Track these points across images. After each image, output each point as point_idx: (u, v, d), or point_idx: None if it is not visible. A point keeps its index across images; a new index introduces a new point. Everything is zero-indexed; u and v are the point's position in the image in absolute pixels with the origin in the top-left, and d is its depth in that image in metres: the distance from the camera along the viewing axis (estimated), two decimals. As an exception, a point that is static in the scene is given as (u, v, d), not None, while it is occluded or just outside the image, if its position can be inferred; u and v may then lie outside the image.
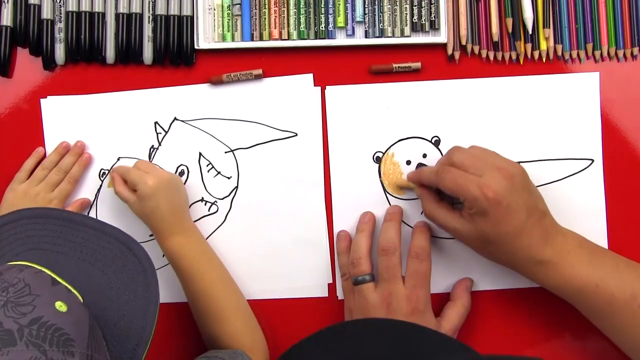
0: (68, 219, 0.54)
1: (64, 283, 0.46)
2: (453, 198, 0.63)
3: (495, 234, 0.59)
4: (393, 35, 0.70)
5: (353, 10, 0.70)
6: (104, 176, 0.73)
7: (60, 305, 0.43)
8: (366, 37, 0.70)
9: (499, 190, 0.58)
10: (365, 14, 0.70)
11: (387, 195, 0.70)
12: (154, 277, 0.52)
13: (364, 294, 0.63)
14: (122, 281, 0.51)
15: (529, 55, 0.69)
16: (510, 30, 0.69)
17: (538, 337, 0.70)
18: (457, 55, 0.70)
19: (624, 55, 0.69)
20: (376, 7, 0.70)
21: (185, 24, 0.71)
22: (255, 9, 0.70)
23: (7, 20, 0.71)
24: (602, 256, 0.61)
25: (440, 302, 0.68)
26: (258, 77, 0.71)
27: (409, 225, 0.70)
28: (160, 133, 0.72)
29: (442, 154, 0.69)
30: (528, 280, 0.68)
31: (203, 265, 0.68)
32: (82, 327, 0.44)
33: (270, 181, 0.71)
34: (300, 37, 0.70)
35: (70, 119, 0.72)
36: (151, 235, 0.71)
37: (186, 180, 0.72)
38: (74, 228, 0.53)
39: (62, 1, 0.71)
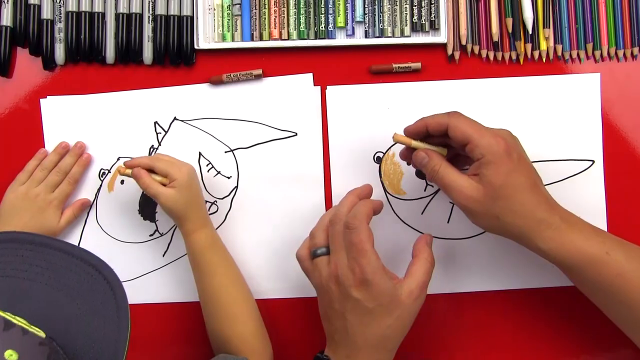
0: (32, 242, 0.51)
1: (20, 323, 0.43)
2: (458, 162, 0.61)
3: (505, 186, 0.56)
4: (393, 35, 0.70)
5: (353, 10, 0.70)
6: (104, 176, 0.73)
7: (11, 354, 0.41)
8: (366, 37, 0.70)
9: (510, 141, 0.57)
10: (365, 14, 0.70)
11: (388, 195, 0.70)
12: (124, 300, 0.49)
13: (319, 267, 0.60)
14: (91, 306, 0.48)
15: (529, 55, 0.69)
16: (510, 30, 0.69)
17: (537, 336, 0.70)
18: (457, 55, 0.69)
19: (624, 55, 0.69)
20: (376, 7, 0.70)
21: (185, 24, 0.71)
22: (255, 9, 0.70)
23: (7, 20, 0.71)
24: (603, 231, 0.60)
25: (445, 303, 0.69)
26: (258, 77, 0.71)
27: (409, 226, 0.70)
28: (160, 133, 0.72)
29: (442, 154, 0.69)
30: (525, 281, 0.68)
31: (225, 261, 0.68)
32: None
33: (270, 181, 0.71)
34: (300, 37, 0.70)
35: (70, 119, 0.72)
36: (151, 235, 0.71)
37: (186, 180, 0.72)
38: (39, 251, 0.50)
39: (62, 1, 0.71)
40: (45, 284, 0.48)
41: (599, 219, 0.68)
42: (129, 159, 0.68)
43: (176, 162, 0.68)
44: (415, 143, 0.60)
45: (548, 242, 0.57)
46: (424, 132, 0.60)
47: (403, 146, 0.61)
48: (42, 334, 0.44)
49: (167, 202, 0.65)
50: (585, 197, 0.68)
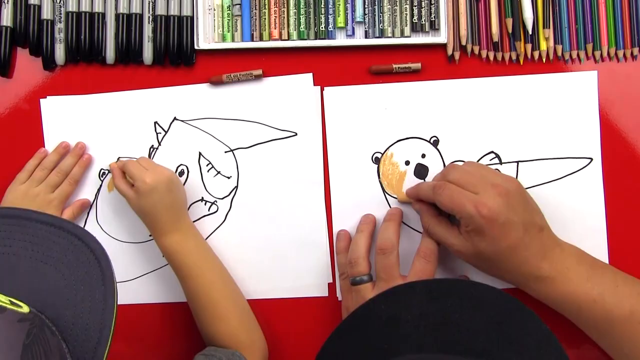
0: (15, 216, 0.51)
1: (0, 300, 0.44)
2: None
3: (491, 252, 0.59)
4: (393, 36, 0.70)
5: (353, 10, 0.70)
6: (104, 176, 0.73)
7: None
8: (366, 37, 0.70)
9: (495, 208, 0.58)
10: (365, 14, 0.70)
11: (386, 195, 0.70)
12: (110, 269, 0.49)
13: (362, 294, 0.63)
14: (77, 276, 0.48)
15: (529, 56, 0.69)
16: (510, 31, 0.69)
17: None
18: (457, 55, 0.69)
19: (624, 55, 0.69)
20: (376, 7, 0.70)
21: (185, 24, 0.71)
22: (255, 9, 0.70)
23: (7, 21, 0.71)
24: (600, 272, 0.61)
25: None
26: (258, 77, 0.71)
27: (409, 226, 0.70)
28: (160, 133, 0.72)
29: (440, 154, 0.69)
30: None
31: (200, 264, 0.68)
32: (11, 349, 0.41)
33: (270, 181, 0.71)
34: (300, 37, 0.70)
35: (70, 119, 0.72)
36: (151, 235, 0.71)
37: (186, 180, 0.72)
38: (23, 225, 0.50)
39: (62, 1, 0.71)
40: (30, 257, 0.48)
41: (597, 217, 0.68)
42: (127, 159, 0.69)
43: (150, 168, 0.68)
44: (403, 198, 0.69)
45: (534, 291, 0.61)
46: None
47: (401, 147, 0.62)
48: (24, 310, 0.44)
49: (129, 203, 0.69)
50: (584, 194, 0.69)
